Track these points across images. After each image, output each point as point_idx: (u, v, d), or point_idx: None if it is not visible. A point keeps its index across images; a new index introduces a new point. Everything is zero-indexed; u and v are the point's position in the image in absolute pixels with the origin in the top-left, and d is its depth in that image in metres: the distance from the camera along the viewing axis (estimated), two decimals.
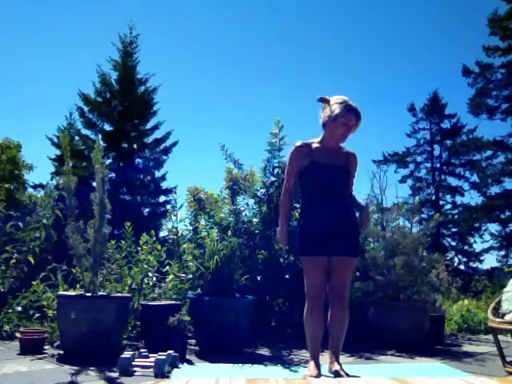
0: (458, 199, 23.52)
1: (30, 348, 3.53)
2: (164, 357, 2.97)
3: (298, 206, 4.24)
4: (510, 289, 3.49)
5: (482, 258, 22.39)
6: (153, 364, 2.94)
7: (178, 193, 13.45)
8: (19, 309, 4.29)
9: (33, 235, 4.75)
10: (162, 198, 16.24)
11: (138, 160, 16.10)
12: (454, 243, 23.10)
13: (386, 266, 4.60)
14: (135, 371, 2.97)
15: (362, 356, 3.87)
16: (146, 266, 4.56)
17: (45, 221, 4.81)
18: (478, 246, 22.43)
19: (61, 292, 3.85)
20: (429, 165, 24.20)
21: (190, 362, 3.36)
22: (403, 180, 22.90)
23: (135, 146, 16.04)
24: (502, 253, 20.91)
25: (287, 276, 4.77)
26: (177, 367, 3.10)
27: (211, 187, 5.17)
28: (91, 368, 3.02)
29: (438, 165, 24.18)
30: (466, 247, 22.92)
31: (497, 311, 3.39)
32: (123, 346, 3.71)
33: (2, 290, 4.49)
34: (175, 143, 16.30)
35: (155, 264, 4.64)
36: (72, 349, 3.42)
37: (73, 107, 16.26)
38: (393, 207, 5.50)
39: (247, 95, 29.54)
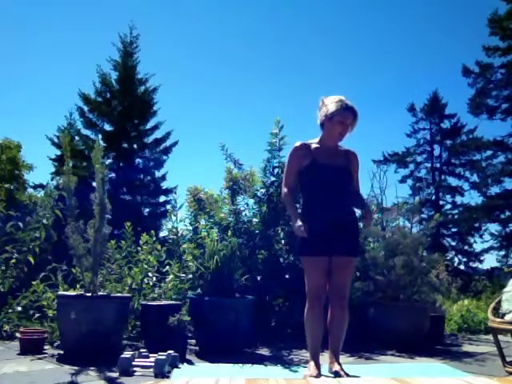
0: (458, 199, 23.51)
1: (30, 348, 3.53)
2: (164, 357, 2.97)
3: (297, 206, 4.23)
4: (510, 289, 3.49)
5: (481, 258, 22.37)
6: (153, 364, 2.94)
7: (178, 193, 13.51)
8: (19, 309, 4.28)
9: (33, 235, 4.75)
10: (162, 198, 16.21)
11: (138, 160, 16.06)
12: (454, 243, 23.07)
13: (386, 265, 4.60)
14: (135, 371, 2.97)
15: (362, 356, 3.87)
16: (146, 266, 4.56)
17: (45, 221, 4.82)
18: (477, 246, 22.43)
19: (61, 292, 3.85)
20: (429, 165, 24.19)
21: (189, 362, 3.36)
22: (403, 180, 22.92)
23: (135, 145, 16.01)
24: (502, 253, 20.89)
25: (287, 276, 4.77)
26: (177, 367, 3.10)
27: (211, 187, 5.18)
28: (91, 368, 3.02)
29: (438, 165, 24.15)
30: (466, 247, 22.87)
31: (497, 311, 3.39)
32: (123, 346, 3.71)
33: (2, 289, 4.49)
34: (175, 143, 16.28)
35: (155, 264, 4.64)
36: (72, 349, 3.42)
37: (73, 107, 16.22)
38: (393, 207, 5.50)
39: (247, 95, 29.52)
